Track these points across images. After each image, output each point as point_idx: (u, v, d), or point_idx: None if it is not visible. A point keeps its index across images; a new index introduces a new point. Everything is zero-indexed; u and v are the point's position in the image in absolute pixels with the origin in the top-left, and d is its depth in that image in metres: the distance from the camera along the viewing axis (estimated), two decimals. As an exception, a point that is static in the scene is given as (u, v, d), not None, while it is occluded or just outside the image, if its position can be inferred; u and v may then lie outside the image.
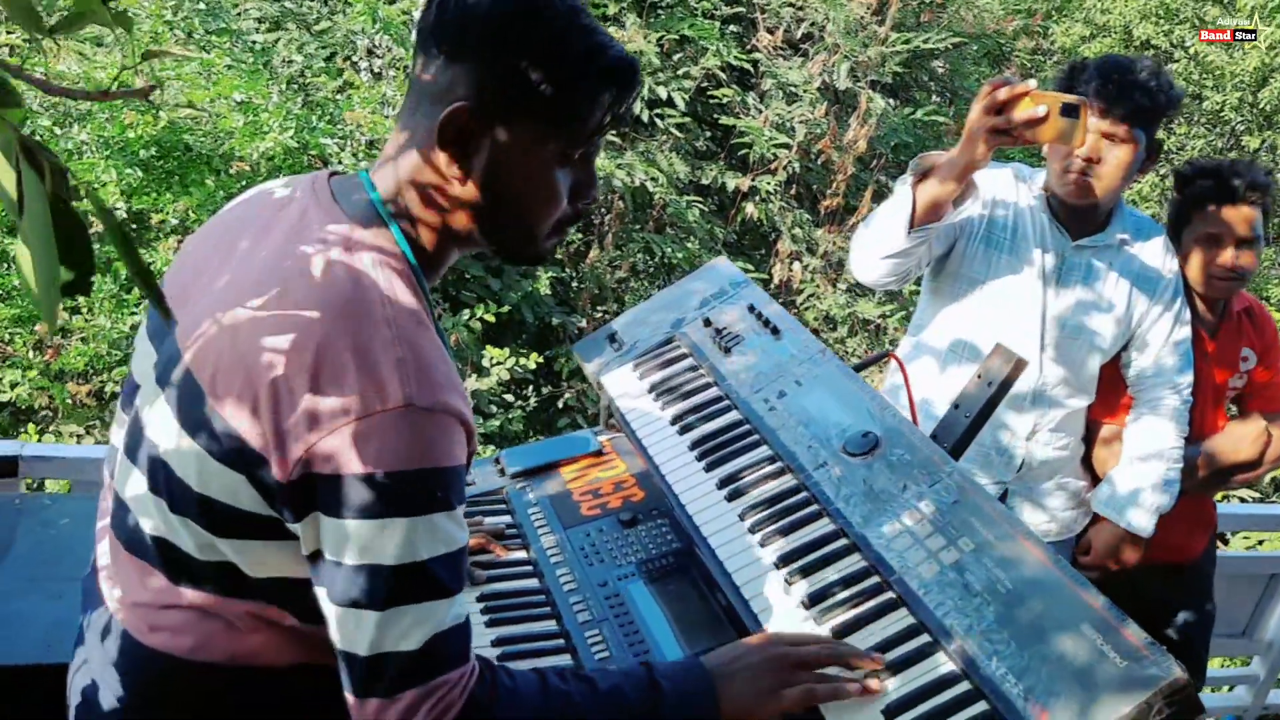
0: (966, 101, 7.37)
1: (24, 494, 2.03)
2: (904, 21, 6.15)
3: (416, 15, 5.00)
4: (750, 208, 5.57)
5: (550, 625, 1.44)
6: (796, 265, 5.50)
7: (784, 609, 1.25)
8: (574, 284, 5.43)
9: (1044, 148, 2.06)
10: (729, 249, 5.81)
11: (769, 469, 1.45)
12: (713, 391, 1.63)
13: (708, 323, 1.75)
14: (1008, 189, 2.09)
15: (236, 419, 0.95)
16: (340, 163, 4.37)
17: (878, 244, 1.94)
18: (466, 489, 1.07)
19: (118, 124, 4.24)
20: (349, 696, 0.99)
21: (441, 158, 1.03)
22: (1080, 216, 2.08)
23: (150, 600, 1.06)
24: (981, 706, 1.06)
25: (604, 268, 5.36)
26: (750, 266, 5.48)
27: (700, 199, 5.66)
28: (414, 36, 1.06)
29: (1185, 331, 2.15)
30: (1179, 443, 2.13)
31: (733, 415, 1.57)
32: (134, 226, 4.49)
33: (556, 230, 1.11)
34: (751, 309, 1.72)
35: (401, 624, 0.96)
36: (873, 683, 1.11)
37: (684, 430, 1.59)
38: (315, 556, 0.98)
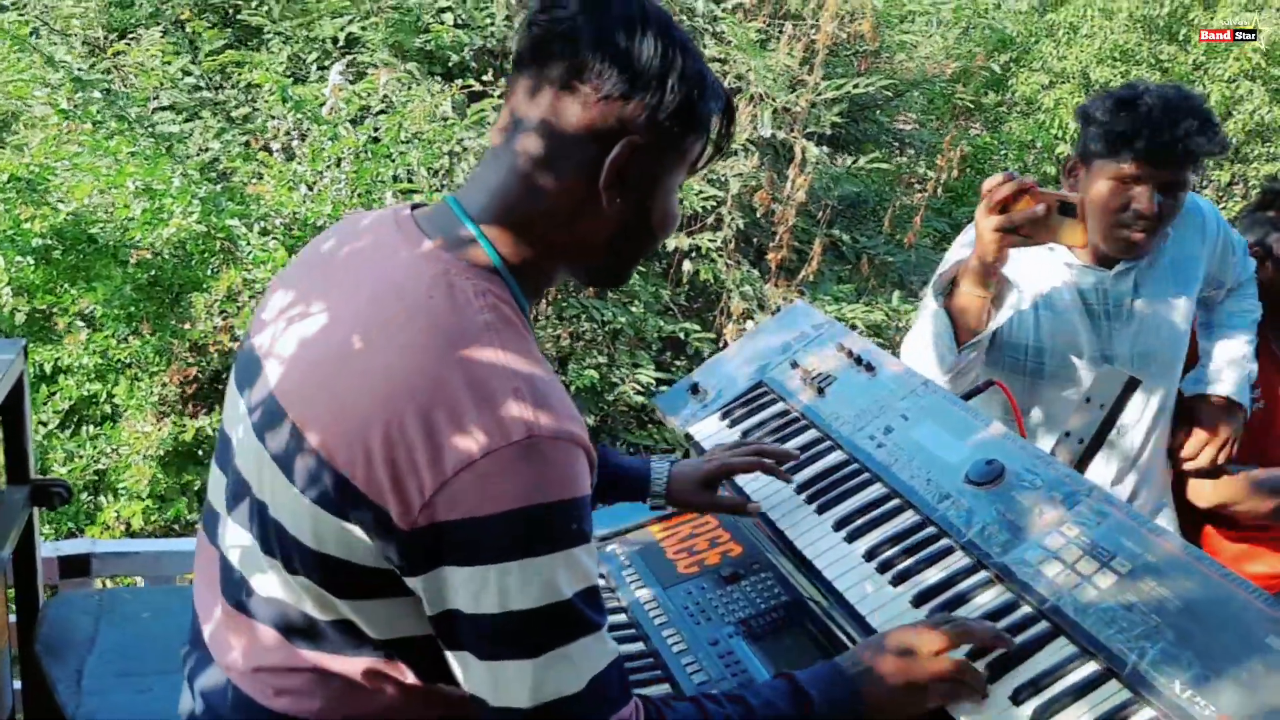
0: (917, 150, 7.37)
1: (103, 590, 1.99)
2: (844, 72, 6.09)
3: (330, 90, 4.94)
4: (688, 265, 5.44)
5: (665, 689, 1.37)
6: (750, 323, 5.37)
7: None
8: (516, 355, 5.33)
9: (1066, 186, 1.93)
10: (675, 311, 5.66)
11: (888, 506, 1.39)
12: (811, 433, 1.58)
13: (795, 365, 1.71)
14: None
15: (350, 469, 0.91)
16: (249, 244, 4.20)
17: (936, 370, 1.80)
18: None
19: (11, 217, 4.04)
20: None
21: (589, 189, 1.00)
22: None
23: (272, 663, 1.01)
24: (1171, 733, 0.99)
25: (545, 337, 5.23)
26: (698, 327, 5.32)
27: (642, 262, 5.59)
28: (526, 58, 1.03)
29: (1248, 259, 2.09)
30: (1250, 348, 2.07)
31: (837, 455, 1.51)
32: (41, 327, 4.31)
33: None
34: (841, 347, 1.68)
35: (559, 668, 0.91)
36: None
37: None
38: (447, 618, 0.92)
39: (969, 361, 1.77)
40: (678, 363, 5.38)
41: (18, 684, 1.95)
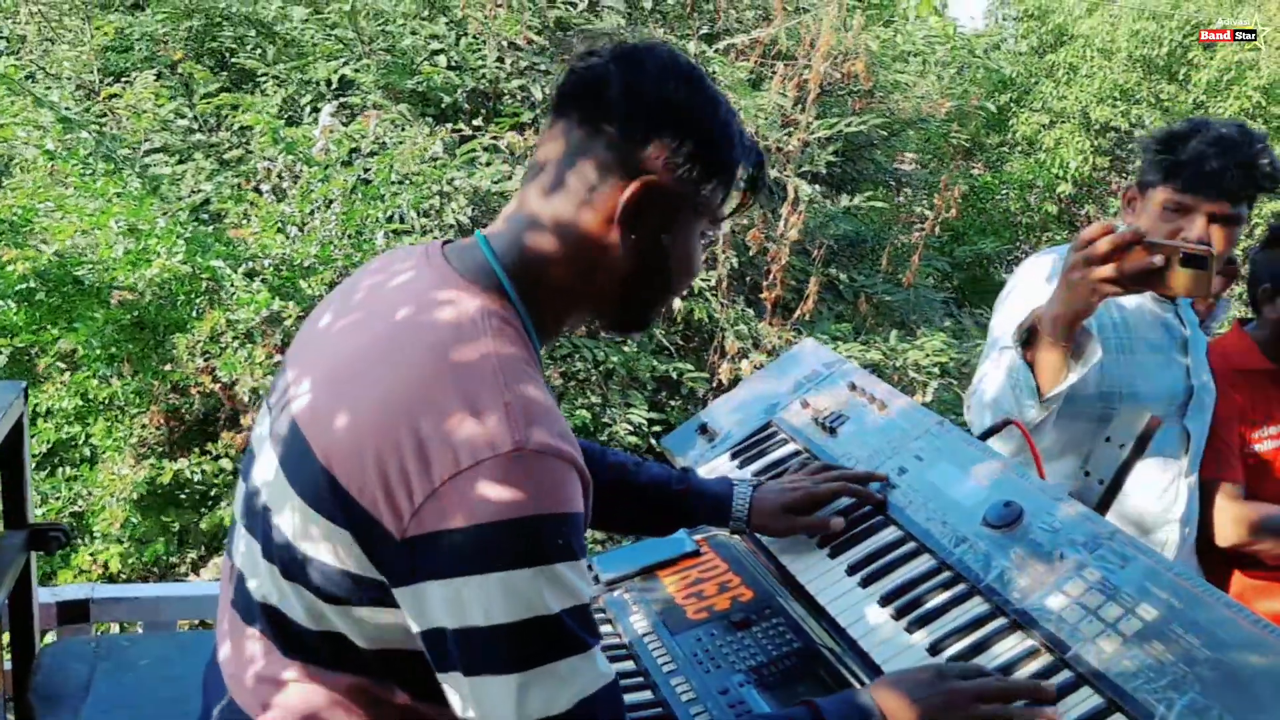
0: (914, 189, 7.33)
1: (100, 636, 1.95)
2: (840, 112, 6.01)
3: (319, 131, 4.94)
4: (679, 303, 5.35)
5: (673, 740, 1.32)
6: (745, 363, 5.31)
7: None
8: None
9: (1125, 215, 1.91)
10: (666, 351, 5.55)
11: (903, 550, 1.34)
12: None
13: (806, 404, 1.67)
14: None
15: (346, 478, 0.93)
16: (232, 285, 4.14)
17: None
18: None
19: None
20: None
21: (606, 226, 1.03)
22: None
23: (263, 674, 1.03)
24: (1204, 792, 0.94)
25: (537, 376, 5.18)
26: (691, 367, 5.25)
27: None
28: (557, 103, 1.08)
29: None
30: None
31: (850, 497, 1.47)
32: (24, 369, 4.30)
33: (670, 302, 1.15)
34: (853, 386, 1.64)
35: (546, 686, 0.90)
36: (1049, 711, 1.05)
37: (798, 517, 1.50)
38: (434, 636, 0.92)
39: (1049, 415, 1.68)
40: (672, 403, 5.33)
41: (13, 733, 1.91)
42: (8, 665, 1.94)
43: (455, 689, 0.93)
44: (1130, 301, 1.90)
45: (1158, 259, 1.48)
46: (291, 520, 0.98)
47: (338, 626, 0.98)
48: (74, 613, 2.02)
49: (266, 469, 1.04)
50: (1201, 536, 2.06)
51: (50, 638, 2.12)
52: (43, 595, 2.02)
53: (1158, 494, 1.91)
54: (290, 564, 0.99)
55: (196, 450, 4.20)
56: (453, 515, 0.88)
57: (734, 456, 1.69)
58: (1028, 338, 1.64)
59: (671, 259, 1.08)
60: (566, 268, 1.05)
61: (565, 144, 1.04)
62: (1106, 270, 1.50)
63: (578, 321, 1.12)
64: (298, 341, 1.14)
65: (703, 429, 1.79)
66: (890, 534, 1.38)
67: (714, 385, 5.22)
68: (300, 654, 1.01)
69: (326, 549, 0.95)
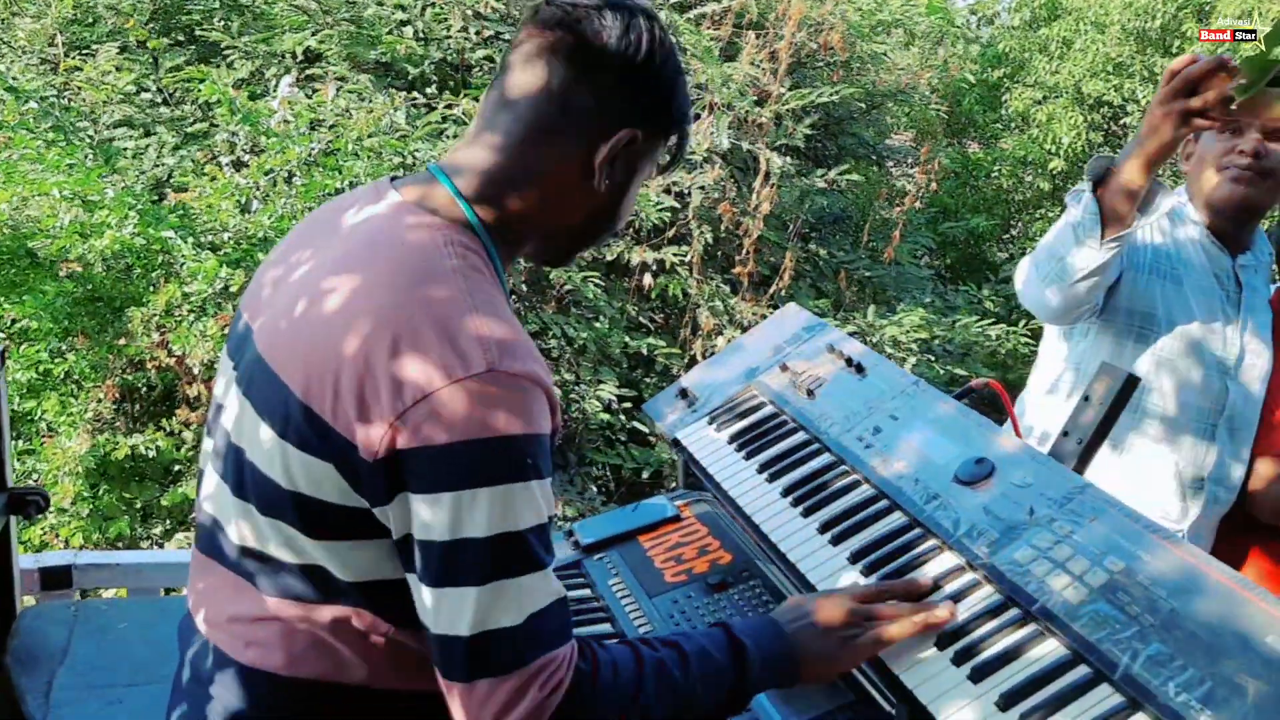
0: (897, 163, 7.28)
1: (79, 600, 1.95)
2: (820, 83, 5.93)
3: (278, 102, 4.87)
4: (648, 279, 5.34)
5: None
6: (720, 339, 5.25)
7: (917, 652, 1.14)
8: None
9: (1183, 159, 1.90)
10: (643, 328, 5.52)
11: (875, 508, 1.35)
12: (800, 436, 1.55)
13: (785, 368, 1.68)
14: (1165, 212, 1.82)
15: (319, 404, 0.94)
16: (182, 256, 4.09)
17: (1066, 267, 1.69)
18: None
19: None
20: (450, 685, 0.95)
21: (583, 168, 1.06)
22: (1236, 231, 1.89)
23: (242, 614, 1.04)
24: (1166, 738, 0.95)
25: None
26: (663, 343, 5.24)
27: (610, 277, 5.40)
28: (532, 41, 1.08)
29: None
30: None
31: (825, 458, 1.48)
32: None
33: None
34: (831, 348, 1.64)
35: (502, 599, 0.93)
36: (939, 612, 1.13)
37: (773, 478, 1.51)
38: (406, 542, 0.95)
39: (1106, 261, 1.68)
40: (647, 379, 5.31)
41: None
42: (-14, 629, 1.94)
43: (416, 592, 0.96)
44: (1185, 240, 1.89)
45: (1243, 83, 1.48)
46: (267, 457, 0.99)
47: (318, 560, 0.99)
48: (56, 579, 2.02)
49: (234, 411, 1.05)
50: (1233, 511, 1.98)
51: (31, 604, 2.12)
52: (24, 561, 2.02)
53: (1188, 449, 1.88)
54: (267, 500, 1.00)
55: (152, 426, 4.17)
56: (426, 433, 0.90)
57: (712, 420, 1.69)
58: (1101, 179, 1.65)
59: (623, 206, 1.11)
60: (531, 201, 1.06)
61: (547, 80, 1.04)
62: (1193, 100, 1.50)
63: (526, 252, 1.14)
64: (253, 286, 1.14)
65: (683, 393, 1.80)
66: (863, 492, 1.39)
67: (687, 362, 5.20)
68: (276, 589, 1.02)
69: (304, 481, 0.96)
